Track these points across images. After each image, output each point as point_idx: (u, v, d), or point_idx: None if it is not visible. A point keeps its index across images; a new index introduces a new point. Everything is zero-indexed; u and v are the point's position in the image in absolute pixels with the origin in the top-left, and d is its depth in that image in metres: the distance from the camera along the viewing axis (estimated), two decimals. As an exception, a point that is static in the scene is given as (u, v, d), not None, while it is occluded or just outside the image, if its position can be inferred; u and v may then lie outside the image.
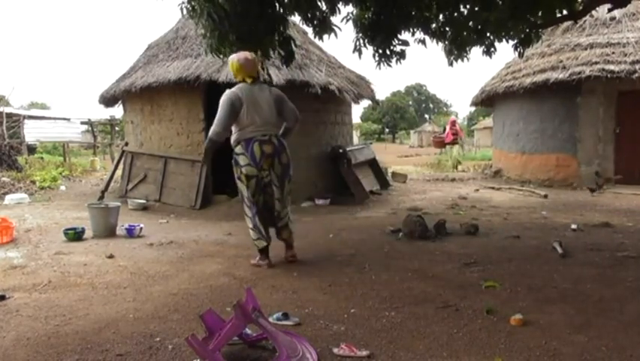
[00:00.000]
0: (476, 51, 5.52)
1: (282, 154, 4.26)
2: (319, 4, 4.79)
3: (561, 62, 10.14)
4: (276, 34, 4.77)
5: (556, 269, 4.14)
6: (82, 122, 22.71)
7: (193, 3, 4.25)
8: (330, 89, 8.28)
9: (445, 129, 18.80)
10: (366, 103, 11.37)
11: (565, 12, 5.25)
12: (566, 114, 10.21)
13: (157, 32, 25.97)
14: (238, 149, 4.23)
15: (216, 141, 4.25)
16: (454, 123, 17.80)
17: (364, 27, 5.21)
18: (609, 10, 7.27)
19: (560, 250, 4.66)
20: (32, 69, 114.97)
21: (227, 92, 4.22)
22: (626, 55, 9.59)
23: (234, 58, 4.29)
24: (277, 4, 4.61)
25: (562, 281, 3.80)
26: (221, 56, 4.95)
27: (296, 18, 5.07)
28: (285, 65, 5.57)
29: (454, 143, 17.40)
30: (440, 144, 18.77)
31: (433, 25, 5.35)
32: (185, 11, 4.39)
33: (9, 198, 8.51)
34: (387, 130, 61.94)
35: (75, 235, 5.57)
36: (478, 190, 10.08)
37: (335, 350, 2.61)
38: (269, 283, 3.85)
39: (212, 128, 4.24)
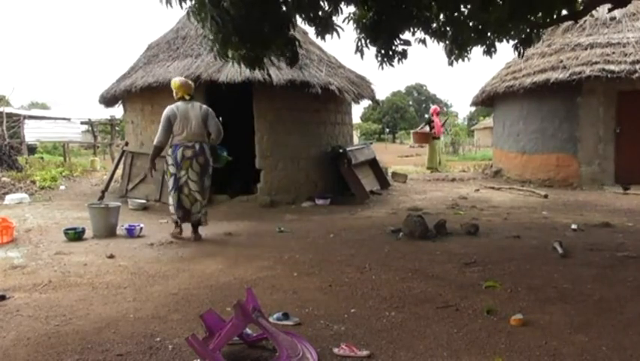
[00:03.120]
0: (477, 51, 5.52)
1: (199, 157, 5.31)
2: (322, 4, 4.78)
3: (561, 62, 10.13)
4: (281, 35, 4.77)
5: (556, 269, 4.14)
6: (82, 122, 22.70)
7: (198, 7, 4.24)
8: (330, 89, 8.28)
9: (430, 121, 15.41)
10: (366, 103, 11.37)
11: (565, 12, 5.25)
12: (567, 114, 10.20)
13: (157, 32, 25.98)
14: (169, 151, 5.39)
15: (159, 147, 5.42)
16: (438, 113, 15.38)
17: (366, 27, 5.21)
18: (609, 10, 7.28)
19: (560, 250, 4.66)
20: (32, 69, 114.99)
21: (167, 108, 5.39)
22: (626, 55, 9.58)
23: (176, 79, 5.52)
24: (281, 6, 4.61)
25: (562, 281, 3.80)
26: (228, 59, 4.97)
27: (297, 19, 5.05)
28: (289, 66, 5.64)
29: (438, 137, 15.23)
30: (424, 138, 15.85)
31: (434, 25, 5.35)
32: (191, 16, 4.40)
33: (9, 198, 8.51)
34: (387, 130, 61.89)
35: (75, 235, 5.57)
36: (478, 190, 10.07)
37: (335, 350, 2.61)
38: (269, 283, 3.85)
39: (155, 138, 5.43)
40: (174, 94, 5.51)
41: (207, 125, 5.41)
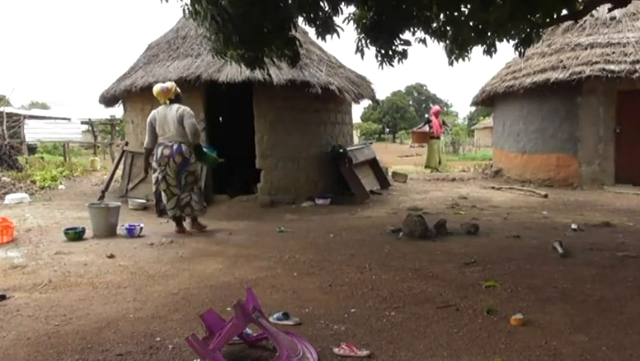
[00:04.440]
0: (477, 51, 5.52)
1: (175, 156, 5.73)
2: (322, 4, 4.78)
3: (561, 61, 10.12)
4: (282, 35, 4.77)
5: (556, 269, 4.14)
6: (82, 122, 22.68)
7: (196, 6, 4.24)
8: (330, 89, 8.27)
9: (428, 121, 15.52)
10: (366, 103, 11.36)
11: (565, 12, 5.24)
12: (567, 114, 10.20)
13: (157, 32, 25.94)
14: (154, 150, 5.91)
15: (148, 149, 6.01)
16: (438, 114, 15.34)
17: (366, 27, 5.20)
18: (609, 10, 7.28)
19: (560, 249, 4.66)
20: (32, 69, 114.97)
21: (150, 113, 5.99)
22: (626, 55, 9.57)
23: (154, 88, 5.97)
24: (281, 6, 4.61)
25: (562, 281, 3.80)
26: (227, 58, 4.97)
27: (298, 19, 5.05)
28: (291, 66, 5.67)
29: (437, 137, 15.16)
30: (423, 137, 16.06)
31: (434, 25, 5.34)
32: (187, 14, 4.40)
33: (9, 198, 8.50)
34: (387, 130, 61.89)
35: (75, 235, 5.57)
36: (479, 190, 10.07)
37: (335, 350, 2.61)
38: (269, 283, 3.85)
39: (144, 142, 6.08)
40: (158, 100, 5.97)
41: (184, 126, 5.75)
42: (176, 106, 5.85)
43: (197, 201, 5.99)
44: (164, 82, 7.98)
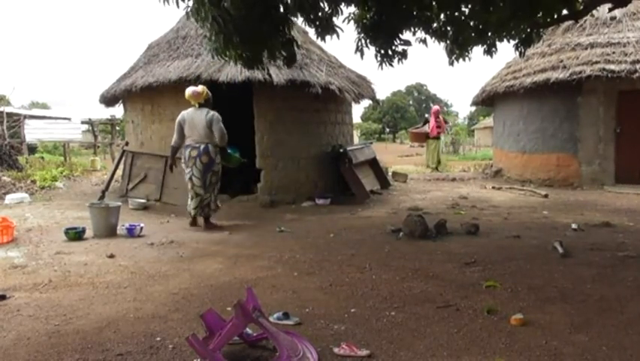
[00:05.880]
0: (477, 51, 5.52)
1: (202, 156, 6.04)
2: (322, 5, 4.78)
3: (562, 61, 10.12)
4: (279, 35, 4.77)
5: (556, 269, 4.14)
6: (82, 122, 22.67)
7: (198, 7, 4.24)
8: (330, 89, 8.27)
9: (426, 121, 15.73)
10: (366, 103, 11.35)
11: (565, 12, 5.24)
12: (567, 114, 10.20)
13: (157, 32, 25.96)
14: (181, 152, 6.25)
15: (174, 147, 6.29)
16: (437, 114, 15.09)
17: (366, 27, 5.20)
18: (610, 10, 7.27)
19: (560, 249, 4.66)
20: (32, 69, 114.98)
21: (180, 114, 6.20)
22: (626, 54, 9.57)
23: (187, 91, 6.17)
24: (280, 6, 4.61)
25: (562, 281, 3.80)
26: (227, 58, 4.97)
27: (298, 19, 5.05)
28: (287, 67, 5.68)
29: (436, 137, 15.00)
30: (420, 137, 15.99)
31: (434, 25, 5.34)
32: (190, 15, 4.40)
33: (10, 198, 8.50)
34: (387, 130, 61.92)
35: (76, 235, 5.57)
36: (479, 190, 10.07)
37: (335, 350, 2.61)
38: (269, 283, 3.85)
39: (172, 140, 6.32)
40: (189, 101, 6.18)
41: (213, 130, 6.03)
42: (205, 110, 6.10)
43: (214, 201, 6.33)
44: (164, 82, 8.07)
